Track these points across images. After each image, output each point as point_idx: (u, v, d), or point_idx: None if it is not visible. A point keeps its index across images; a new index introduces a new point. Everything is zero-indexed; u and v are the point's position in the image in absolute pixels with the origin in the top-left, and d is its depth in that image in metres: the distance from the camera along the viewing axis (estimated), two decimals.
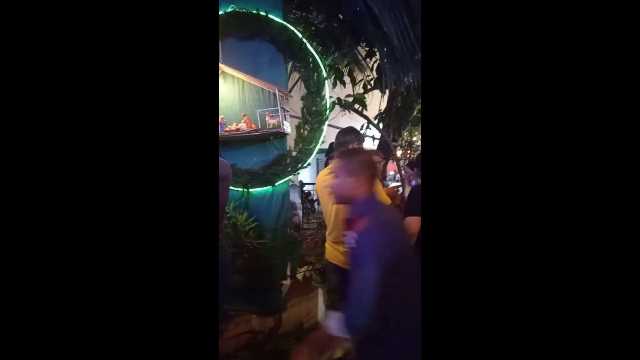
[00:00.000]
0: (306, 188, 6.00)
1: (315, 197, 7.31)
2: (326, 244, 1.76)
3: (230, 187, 2.25)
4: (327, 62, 2.32)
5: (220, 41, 2.35)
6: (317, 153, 2.35)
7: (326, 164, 3.98)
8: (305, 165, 2.30)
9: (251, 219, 2.20)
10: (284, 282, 2.32)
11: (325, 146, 2.71)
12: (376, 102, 3.21)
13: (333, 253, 1.69)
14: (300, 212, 4.48)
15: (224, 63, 2.25)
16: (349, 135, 1.68)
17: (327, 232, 1.75)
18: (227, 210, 2.14)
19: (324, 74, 2.28)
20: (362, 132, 2.18)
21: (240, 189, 2.25)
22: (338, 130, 1.77)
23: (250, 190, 2.27)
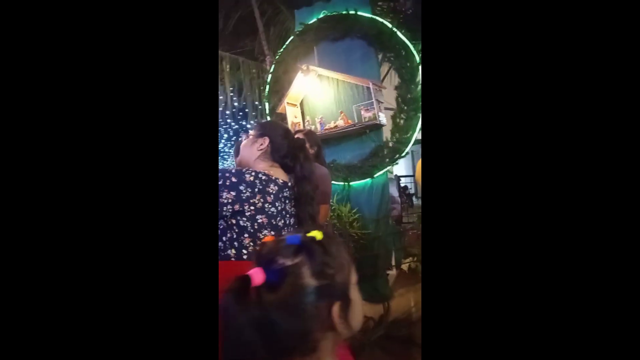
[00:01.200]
0: (402, 182, 5.84)
1: (412, 191, 7.04)
2: None
3: (333, 182, 2.40)
4: (419, 48, 2.25)
5: (315, 46, 2.54)
6: (412, 145, 2.30)
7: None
8: (403, 154, 2.28)
9: (354, 210, 2.29)
10: (390, 271, 2.34)
11: (419, 137, 2.63)
12: None
13: None
14: (399, 207, 4.41)
15: (320, 66, 2.42)
16: None
17: None
18: (331, 203, 2.29)
19: (417, 60, 2.22)
20: None
21: (341, 183, 2.37)
22: None
23: (351, 183, 2.37)
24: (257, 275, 0.40)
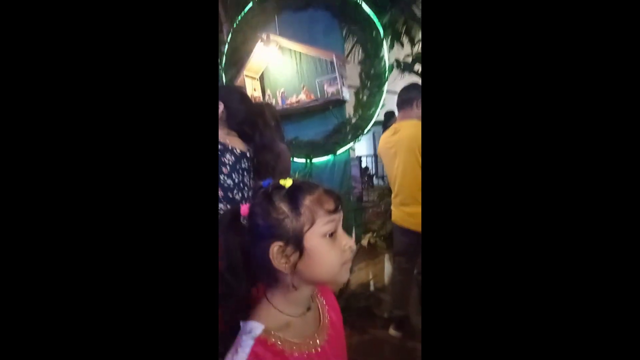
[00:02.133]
0: (364, 162, 5.94)
1: (372, 172, 7.20)
2: (392, 207, 1.75)
3: (295, 159, 2.34)
4: (384, 21, 2.21)
5: (275, 15, 2.40)
6: (373, 125, 2.30)
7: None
8: (365, 132, 2.28)
9: None
10: None
11: (381, 117, 2.64)
12: None
13: (400, 216, 1.67)
14: (359, 186, 4.49)
15: (281, 36, 2.30)
16: (413, 91, 1.60)
17: (392, 196, 1.73)
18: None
19: (382, 34, 2.19)
20: None
21: (303, 160, 2.33)
22: (396, 95, 1.70)
23: (313, 160, 2.33)
24: (243, 208, 0.50)
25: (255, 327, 0.48)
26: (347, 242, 0.49)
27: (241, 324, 0.49)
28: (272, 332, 0.47)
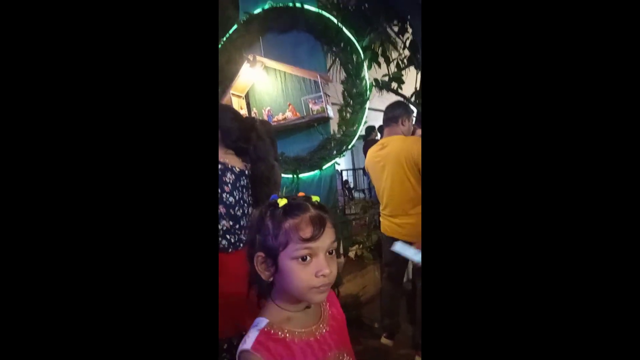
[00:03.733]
0: (344, 176, 6.06)
1: (352, 185, 7.35)
2: (381, 219, 1.83)
3: (282, 175, 2.38)
4: (363, 44, 2.36)
5: (260, 37, 2.48)
6: (356, 139, 2.40)
7: (364, 149, 4.01)
8: (350, 147, 2.38)
9: None
10: (338, 259, 2.43)
11: (363, 132, 2.75)
12: (411, 80, 3.19)
13: (389, 226, 1.75)
14: (341, 199, 4.57)
15: (266, 57, 2.38)
16: (398, 109, 1.71)
17: (381, 208, 1.81)
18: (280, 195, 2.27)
19: (362, 56, 2.33)
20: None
21: (290, 175, 2.38)
22: (376, 112, 1.79)
23: (300, 175, 2.39)
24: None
25: (260, 321, 0.55)
26: (321, 270, 0.51)
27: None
28: (275, 325, 0.54)
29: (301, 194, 0.58)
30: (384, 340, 1.84)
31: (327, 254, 0.53)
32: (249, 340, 0.52)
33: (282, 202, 0.54)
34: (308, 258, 0.51)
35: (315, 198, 0.57)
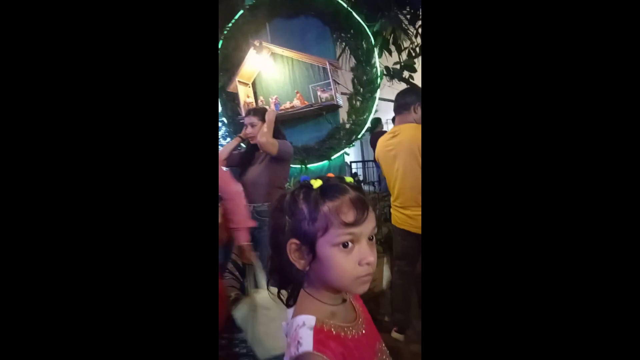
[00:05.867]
0: (353, 168, 5.97)
1: (361, 178, 7.27)
2: (392, 210, 1.76)
3: (290, 165, 2.33)
4: (374, 29, 2.26)
5: (267, 23, 2.41)
6: (365, 131, 2.32)
7: (371, 142, 3.91)
8: (360, 136, 2.30)
9: None
10: None
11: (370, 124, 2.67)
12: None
13: (401, 218, 1.68)
14: None
15: (273, 43, 2.30)
16: (410, 95, 1.63)
17: (392, 199, 1.74)
18: (287, 186, 2.22)
19: (372, 42, 2.24)
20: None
21: (299, 165, 2.32)
22: (387, 103, 1.72)
23: (308, 165, 2.33)
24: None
25: (308, 319, 0.49)
26: (365, 259, 0.47)
27: (288, 321, 0.51)
28: (324, 321, 0.49)
29: (330, 174, 0.52)
30: (394, 334, 1.79)
31: (369, 239, 0.49)
32: (305, 342, 0.46)
33: (316, 183, 0.49)
34: (350, 244, 0.47)
35: (348, 179, 0.51)
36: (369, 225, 0.48)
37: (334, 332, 0.48)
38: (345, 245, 0.47)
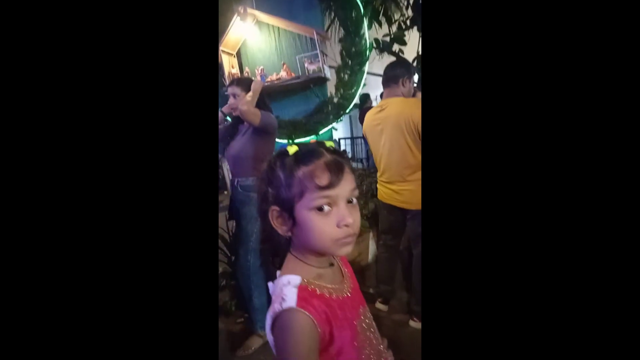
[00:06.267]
0: (342, 145, 5.94)
1: (350, 155, 7.25)
2: (378, 185, 1.76)
3: (277, 140, 2.29)
4: None
5: None
6: (352, 108, 2.28)
7: (360, 118, 3.86)
8: (347, 111, 2.26)
9: None
10: None
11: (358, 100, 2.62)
12: (413, 44, 2.99)
13: (387, 193, 1.69)
14: None
15: (258, 10, 2.19)
16: (399, 68, 1.59)
17: (378, 174, 1.74)
18: None
19: (362, 10, 2.15)
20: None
21: (285, 140, 2.28)
22: (376, 77, 1.68)
23: (295, 140, 2.29)
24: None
25: (293, 278, 0.50)
26: (343, 220, 0.47)
27: (275, 281, 0.52)
28: (309, 281, 0.50)
29: (313, 140, 0.52)
30: (378, 305, 1.85)
31: (348, 202, 0.49)
32: (289, 299, 0.47)
33: (292, 149, 0.49)
34: (327, 208, 0.47)
35: (329, 143, 0.51)
36: (347, 187, 0.48)
37: (318, 292, 0.49)
38: (321, 208, 0.47)
